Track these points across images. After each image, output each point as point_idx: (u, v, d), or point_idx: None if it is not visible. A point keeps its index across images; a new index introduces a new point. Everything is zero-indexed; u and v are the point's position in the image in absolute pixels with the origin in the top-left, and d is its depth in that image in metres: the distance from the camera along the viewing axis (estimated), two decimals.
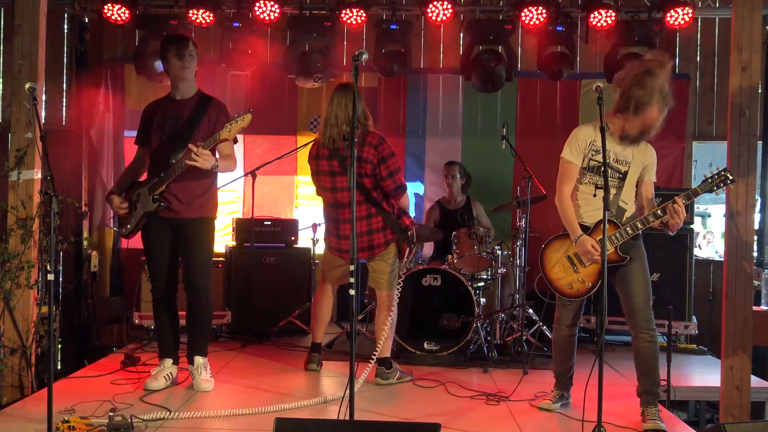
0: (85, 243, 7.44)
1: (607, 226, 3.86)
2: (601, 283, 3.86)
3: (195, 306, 4.92)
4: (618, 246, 4.24)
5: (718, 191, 4.24)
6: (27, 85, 3.99)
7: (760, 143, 6.32)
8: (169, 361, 4.97)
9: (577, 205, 4.39)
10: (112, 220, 5.03)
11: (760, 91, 5.00)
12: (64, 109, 7.69)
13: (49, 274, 3.78)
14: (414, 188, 7.85)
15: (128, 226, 4.89)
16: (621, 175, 4.32)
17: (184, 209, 4.79)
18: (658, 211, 4.16)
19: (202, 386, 4.87)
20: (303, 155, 7.55)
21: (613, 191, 4.28)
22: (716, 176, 4.16)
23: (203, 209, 4.86)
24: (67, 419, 3.87)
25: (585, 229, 4.32)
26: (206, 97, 4.93)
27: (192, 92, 4.90)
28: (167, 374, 4.92)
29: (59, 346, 6.57)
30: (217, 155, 4.74)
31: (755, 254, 6.52)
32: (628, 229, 4.22)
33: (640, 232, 4.25)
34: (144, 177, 4.96)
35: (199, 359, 4.93)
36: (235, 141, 4.87)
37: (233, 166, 4.90)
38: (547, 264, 4.45)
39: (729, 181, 4.16)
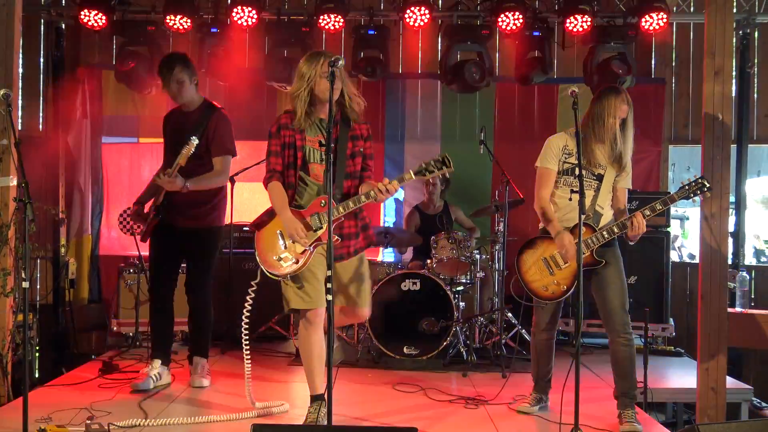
0: (62, 250, 7.39)
1: (583, 229, 3.91)
2: (576, 285, 3.89)
3: (196, 311, 5.16)
4: (594, 249, 4.28)
5: (695, 198, 4.30)
6: (1, 92, 3.94)
7: (734, 147, 6.42)
8: (158, 362, 5.10)
9: (553, 209, 4.43)
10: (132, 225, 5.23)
11: (733, 95, 5.05)
12: (40, 115, 7.64)
13: (24, 282, 3.76)
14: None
15: (142, 232, 5.16)
16: (595, 177, 4.37)
17: (186, 219, 5.01)
18: (627, 222, 4.22)
19: (196, 382, 5.10)
20: None
21: (590, 194, 4.33)
22: (693, 183, 4.22)
23: (205, 220, 5.07)
24: (43, 428, 3.85)
25: None
26: (210, 108, 5.09)
27: (196, 104, 5.10)
28: (155, 374, 5.03)
29: (37, 354, 6.51)
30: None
31: (730, 256, 6.60)
32: (604, 233, 4.27)
33: (615, 236, 4.30)
34: None
35: (198, 359, 5.19)
36: (234, 154, 5.09)
37: (220, 181, 5.06)
38: (523, 266, 4.49)
39: (706, 189, 4.21)
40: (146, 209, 5.17)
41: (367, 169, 4.22)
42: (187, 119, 5.05)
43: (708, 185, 4.21)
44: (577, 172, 3.94)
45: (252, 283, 4.19)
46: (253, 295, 4.20)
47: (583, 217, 3.85)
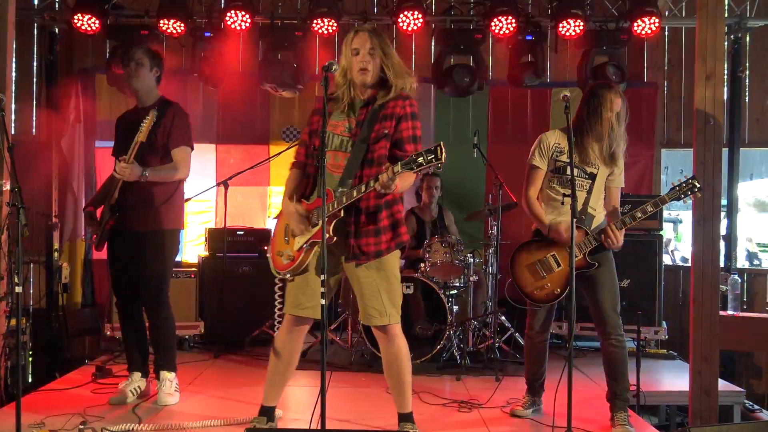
0: (55, 254, 7.37)
1: (575, 233, 3.92)
2: (569, 288, 3.90)
3: (152, 321, 4.85)
4: (586, 252, 4.29)
5: (686, 200, 4.31)
6: None
7: (725, 150, 6.45)
8: (137, 375, 4.91)
9: (545, 213, 4.44)
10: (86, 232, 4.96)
11: (725, 99, 5.07)
12: (34, 119, 7.63)
13: (17, 287, 3.75)
14: None
15: (96, 238, 4.82)
16: (587, 176, 4.37)
17: (136, 222, 4.70)
18: (599, 237, 4.26)
19: (163, 399, 4.77)
20: (276, 165, 7.57)
21: (582, 195, 4.34)
22: (684, 184, 4.23)
23: (155, 222, 4.73)
24: None
25: None
26: (166, 103, 4.85)
27: (153, 100, 4.85)
28: (134, 388, 4.84)
29: (30, 358, 6.49)
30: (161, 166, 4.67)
31: (722, 259, 6.62)
32: (591, 239, 4.28)
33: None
34: None
35: (164, 374, 4.84)
36: (192, 148, 4.83)
37: (179, 174, 4.73)
38: (517, 269, 4.50)
39: (696, 189, 4.22)
40: (99, 214, 4.80)
41: (400, 153, 3.63)
42: (142, 115, 4.60)
43: (699, 185, 4.22)
44: (569, 171, 3.96)
45: (276, 280, 3.95)
46: (280, 293, 3.95)
47: (575, 221, 3.88)
